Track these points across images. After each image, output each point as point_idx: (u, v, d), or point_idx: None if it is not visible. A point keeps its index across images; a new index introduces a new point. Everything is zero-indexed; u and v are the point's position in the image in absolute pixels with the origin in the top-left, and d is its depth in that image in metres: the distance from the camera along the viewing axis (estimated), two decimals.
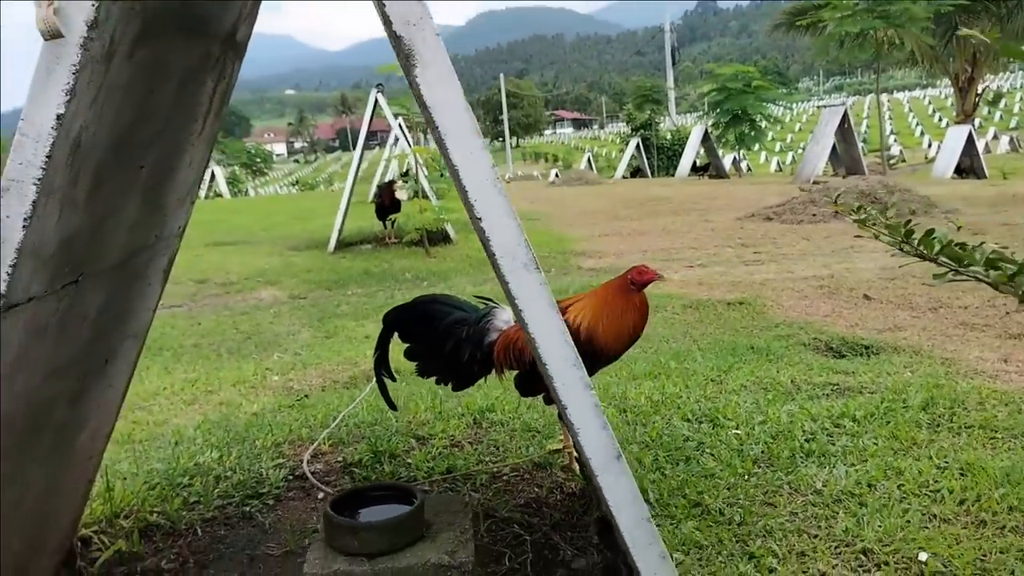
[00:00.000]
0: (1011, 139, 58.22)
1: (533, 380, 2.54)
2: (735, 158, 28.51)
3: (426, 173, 13.57)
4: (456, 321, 2.63)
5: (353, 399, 3.62)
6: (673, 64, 52.58)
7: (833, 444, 2.85)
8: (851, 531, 2.25)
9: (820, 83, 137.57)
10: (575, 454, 2.75)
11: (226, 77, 2.10)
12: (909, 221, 1.52)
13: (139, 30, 1.43)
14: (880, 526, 2.25)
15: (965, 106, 27.62)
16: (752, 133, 25.05)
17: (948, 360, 3.96)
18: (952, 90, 28.06)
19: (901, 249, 1.50)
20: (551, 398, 2.33)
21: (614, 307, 2.70)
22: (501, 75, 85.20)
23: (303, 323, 6.02)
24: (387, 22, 1.32)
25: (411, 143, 15.20)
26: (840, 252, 7.68)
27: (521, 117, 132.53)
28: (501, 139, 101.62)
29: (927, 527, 2.26)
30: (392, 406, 2.61)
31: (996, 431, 2.95)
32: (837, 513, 2.35)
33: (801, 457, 2.75)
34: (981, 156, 24.45)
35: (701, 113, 31.19)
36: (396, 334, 2.62)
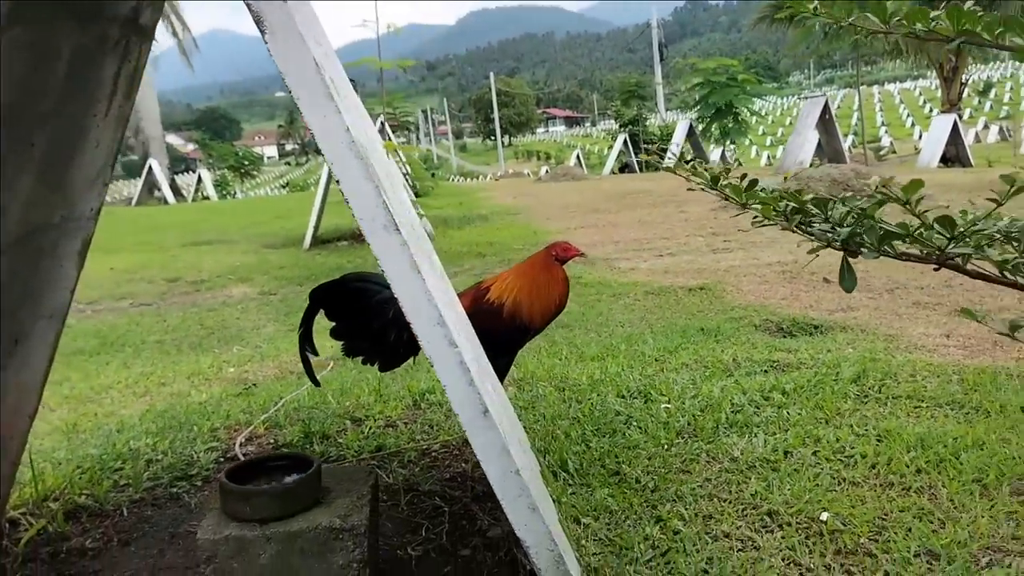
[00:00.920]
0: (1001, 128, 58.44)
1: None
2: (723, 152, 28.61)
3: (408, 171, 13.61)
4: (385, 300, 2.65)
5: (302, 386, 3.65)
6: (661, 60, 52.64)
7: (758, 415, 2.89)
8: (760, 494, 2.29)
9: (811, 76, 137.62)
10: None
11: (131, 60, 2.13)
12: (728, 171, 1.58)
13: (8, 11, 1.47)
14: (789, 490, 2.29)
15: (950, 95, 27.73)
16: (736, 127, 25.12)
17: (891, 336, 4.01)
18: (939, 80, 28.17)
19: (712, 190, 1.55)
20: None
21: (539, 282, 2.75)
22: (491, 74, 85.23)
23: (269, 318, 6.06)
24: None
25: (391, 137, 15.22)
26: (809, 240, 7.73)
27: (513, 115, 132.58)
28: (493, 137, 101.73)
29: (834, 490, 2.30)
30: (315, 382, 2.64)
31: (922, 400, 2.99)
32: (749, 479, 2.39)
33: (724, 428, 2.79)
34: (967, 145, 24.53)
35: (690, 108, 31.29)
36: (323, 311, 2.65)
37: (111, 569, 2.21)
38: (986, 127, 65.71)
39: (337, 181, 1.45)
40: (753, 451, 2.57)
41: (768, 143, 73.05)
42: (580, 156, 36.65)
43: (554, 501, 2.19)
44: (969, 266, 1.36)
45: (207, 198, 28.48)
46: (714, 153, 28.67)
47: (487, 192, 20.45)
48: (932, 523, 2.09)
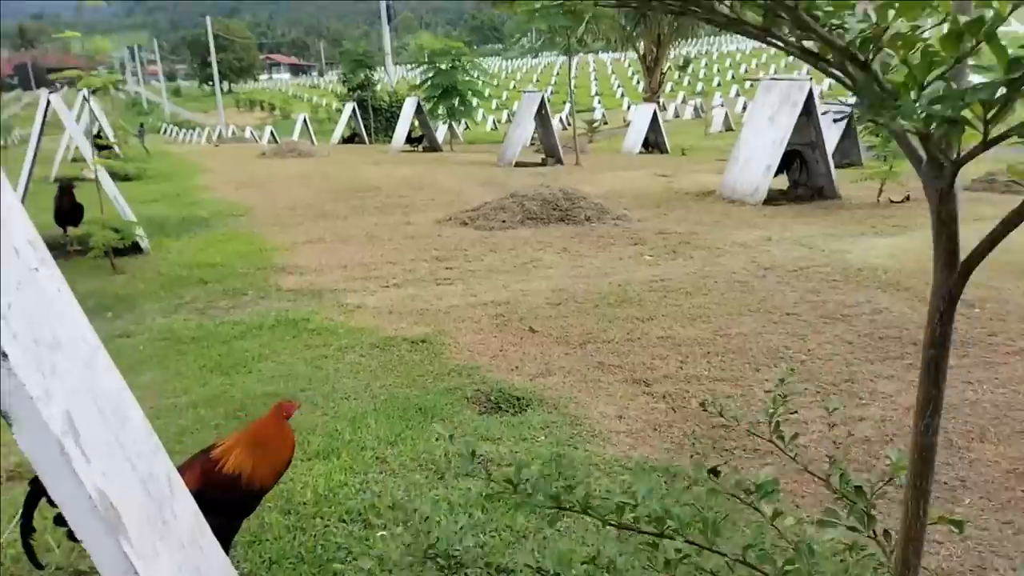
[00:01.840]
0: (695, 105, 65.15)
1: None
2: (450, 124, 29.43)
3: (115, 144, 12.44)
4: None
5: None
6: (389, 21, 52.47)
7: (462, 541, 3.35)
8: None
9: (534, 40, 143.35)
10: None
11: None
12: None
13: None
14: None
15: (652, 83, 30.57)
16: (462, 108, 25.97)
17: (576, 419, 4.68)
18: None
19: None
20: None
21: (273, 446, 3.01)
22: (207, 17, 79.61)
23: None
24: None
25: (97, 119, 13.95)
26: (521, 268, 8.45)
27: (232, 60, 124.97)
28: (211, 83, 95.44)
29: None
30: (38, 566, 2.69)
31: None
32: None
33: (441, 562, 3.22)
34: (664, 132, 27.22)
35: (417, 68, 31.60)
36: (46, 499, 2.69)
37: None
38: (684, 102, 73.03)
39: None
40: None
41: (494, 106, 75.53)
42: (307, 122, 35.78)
43: None
44: None
45: None
46: (441, 131, 29.40)
47: (207, 173, 19.49)
48: None
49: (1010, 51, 1.05)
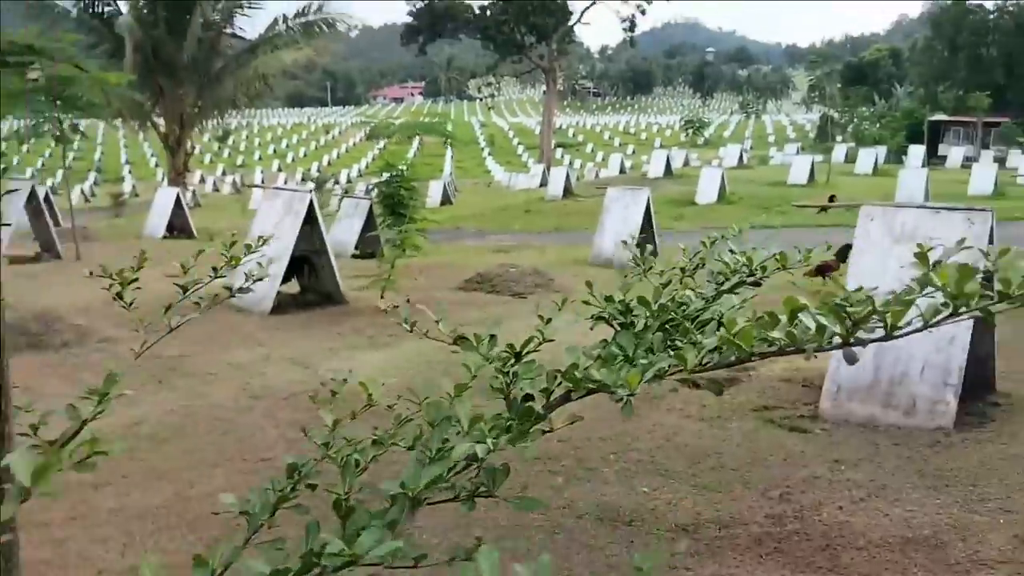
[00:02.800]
0: (234, 180, 63.78)
1: None
2: None
3: None
4: None
5: None
6: None
7: None
8: None
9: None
10: None
11: None
12: None
13: None
14: None
15: (177, 164, 29.03)
16: None
17: None
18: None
19: None
20: None
21: None
22: None
23: None
24: None
25: None
26: None
27: None
28: None
29: None
30: None
31: None
32: None
33: None
34: (188, 216, 25.98)
35: None
36: None
37: None
38: (224, 175, 71.33)
39: None
40: None
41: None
42: None
43: None
44: None
45: None
46: None
47: None
48: None
49: None
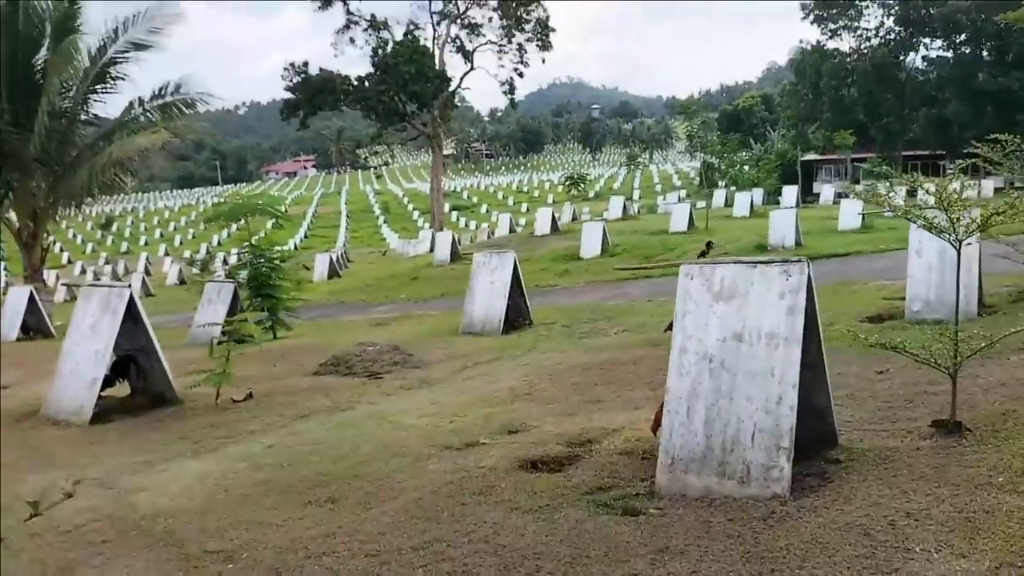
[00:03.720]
0: (113, 269, 61.27)
1: None
2: None
3: None
4: None
5: None
6: None
7: None
8: None
9: None
10: None
11: None
12: None
13: None
14: None
15: (32, 261, 27.31)
16: None
17: None
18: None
19: None
20: None
21: None
22: None
23: None
24: None
25: None
26: None
27: None
28: None
29: None
30: None
31: None
32: None
33: None
34: (46, 316, 24.41)
35: None
36: None
37: None
38: (107, 263, 68.43)
39: None
40: None
41: None
42: None
43: None
44: None
45: None
46: None
47: None
48: None
49: None
